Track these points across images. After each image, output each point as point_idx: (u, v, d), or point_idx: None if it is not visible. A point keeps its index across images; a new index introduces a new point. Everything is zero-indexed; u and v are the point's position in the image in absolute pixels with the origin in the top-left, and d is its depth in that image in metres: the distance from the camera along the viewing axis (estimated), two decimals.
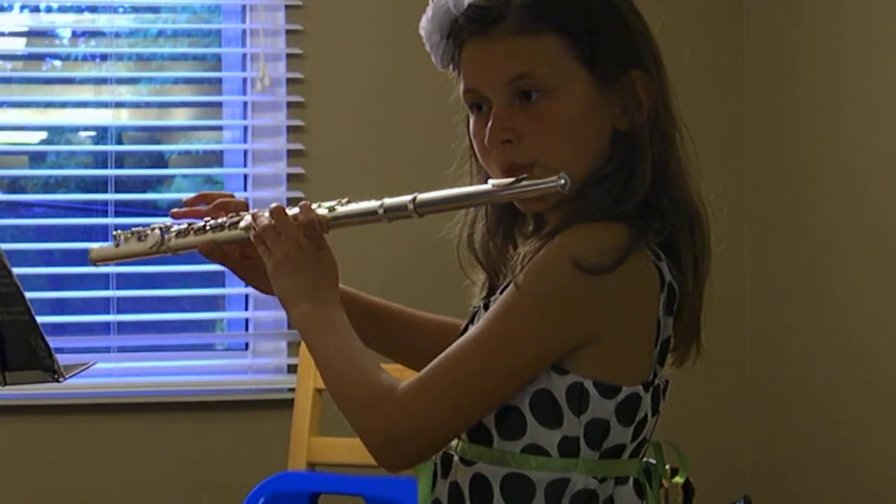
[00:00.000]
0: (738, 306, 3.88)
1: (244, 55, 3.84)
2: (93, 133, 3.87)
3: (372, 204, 1.69)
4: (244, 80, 3.83)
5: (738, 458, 3.91)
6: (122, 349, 3.75)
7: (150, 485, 3.68)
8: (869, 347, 3.48)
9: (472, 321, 1.72)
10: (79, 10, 3.86)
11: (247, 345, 3.85)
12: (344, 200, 1.71)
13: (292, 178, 3.79)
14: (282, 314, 3.73)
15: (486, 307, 1.67)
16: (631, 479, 1.63)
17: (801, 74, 3.77)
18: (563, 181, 1.57)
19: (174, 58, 3.94)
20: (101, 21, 3.82)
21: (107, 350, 3.73)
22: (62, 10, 3.87)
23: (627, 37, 1.65)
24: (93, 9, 3.82)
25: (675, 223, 1.63)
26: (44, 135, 3.87)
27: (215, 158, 3.93)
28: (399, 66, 3.75)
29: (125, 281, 3.74)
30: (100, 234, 3.78)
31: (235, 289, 3.83)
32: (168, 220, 1.84)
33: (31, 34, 3.87)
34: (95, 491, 3.67)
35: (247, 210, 1.79)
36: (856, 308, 3.53)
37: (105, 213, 3.76)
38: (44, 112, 3.86)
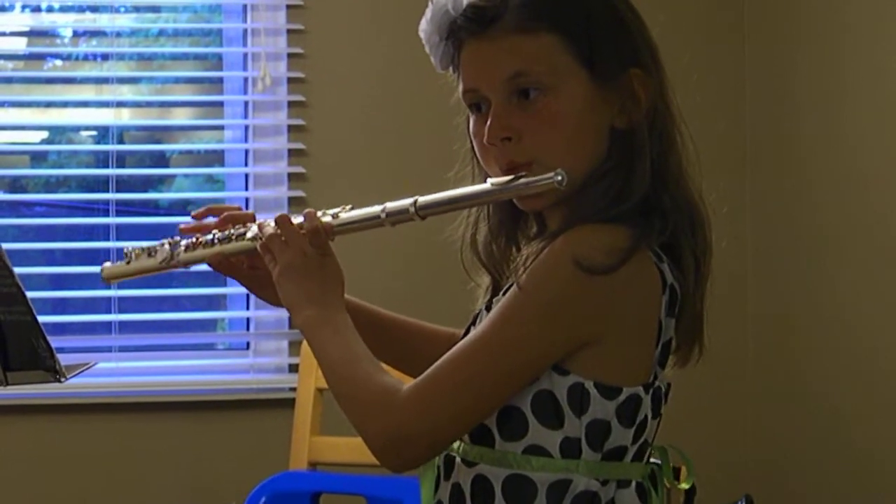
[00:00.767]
0: (740, 305, 3.88)
1: (245, 55, 3.84)
2: (94, 132, 3.87)
3: (374, 209, 1.70)
4: (245, 79, 3.83)
5: (739, 458, 3.91)
6: (123, 349, 3.76)
7: (151, 484, 3.68)
8: (871, 346, 3.48)
9: (473, 323, 1.72)
10: (80, 9, 3.86)
11: (248, 344, 3.85)
12: (347, 207, 1.72)
13: (293, 178, 3.79)
14: (283, 314, 3.77)
15: (489, 309, 1.67)
16: (634, 483, 1.63)
17: (802, 74, 3.77)
18: (559, 177, 1.58)
19: (175, 57, 3.94)
20: (103, 21, 3.82)
21: (108, 349, 3.73)
22: (63, 9, 3.87)
23: (625, 35, 1.66)
24: (94, 8, 3.83)
25: (676, 223, 1.63)
26: (45, 134, 3.88)
27: (216, 158, 3.93)
28: (400, 65, 3.75)
29: (126, 281, 3.72)
30: (101, 233, 3.78)
31: (236, 288, 3.83)
32: (176, 234, 1.86)
33: (33, 34, 3.88)
34: (97, 490, 3.67)
35: (254, 221, 1.79)
36: (858, 307, 3.53)
37: (106, 213, 3.76)
38: (45, 111, 3.87)
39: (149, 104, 3.91)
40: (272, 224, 1.73)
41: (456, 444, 1.66)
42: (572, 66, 1.63)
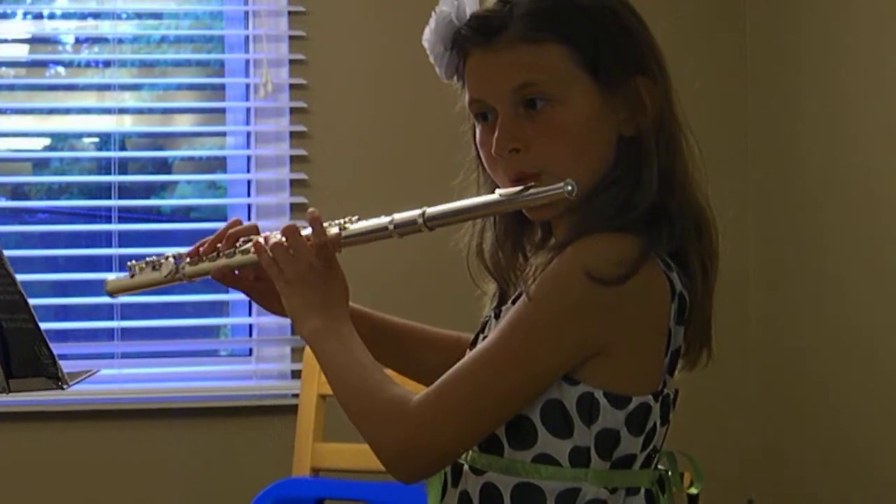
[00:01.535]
0: (742, 309, 3.87)
1: (247, 61, 3.84)
2: (96, 139, 3.87)
3: (382, 220, 1.69)
4: (247, 85, 3.83)
5: (741, 460, 3.90)
6: (125, 355, 3.75)
7: (154, 491, 3.68)
8: (875, 350, 3.48)
9: (482, 331, 1.72)
10: (82, 16, 3.86)
11: (251, 350, 3.85)
12: (354, 218, 1.72)
13: (295, 184, 3.79)
14: (286, 320, 3.76)
15: (497, 316, 1.67)
16: (642, 490, 1.63)
17: (804, 78, 3.77)
18: (569, 187, 1.58)
19: (177, 64, 3.94)
20: (105, 27, 3.82)
21: (110, 356, 3.73)
22: (65, 16, 3.87)
23: (630, 43, 1.66)
24: (96, 15, 3.83)
25: (683, 229, 1.63)
26: (47, 141, 3.88)
27: (218, 164, 3.93)
28: (402, 71, 3.75)
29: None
30: (103, 240, 3.78)
31: (239, 295, 3.80)
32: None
33: (35, 41, 3.88)
34: (99, 497, 3.66)
35: (258, 233, 1.79)
36: (861, 311, 3.53)
37: (109, 220, 3.76)
38: (47, 118, 3.87)
39: (151, 111, 3.91)
40: (278, 235, 1.73)
41: None
42: (578, 76, 1.63)
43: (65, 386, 1.89)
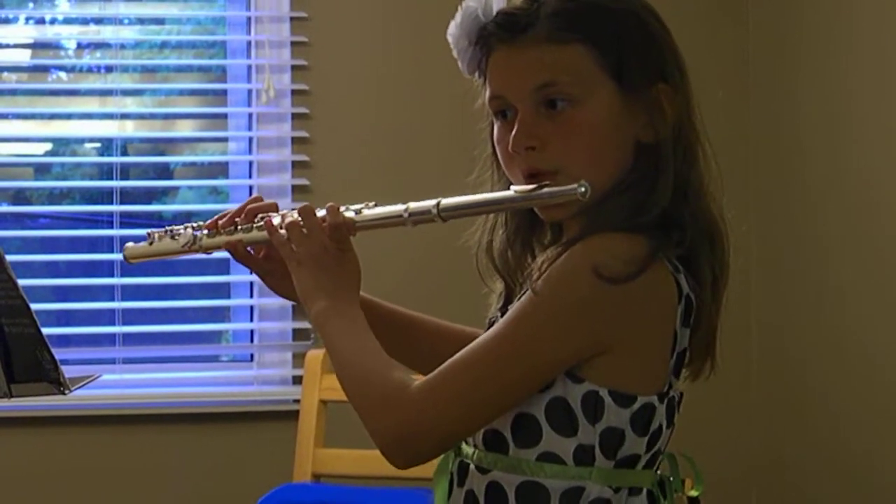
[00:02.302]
0: (744, 316, 3.87)
1: (249, 67, 3.84)
2: (98, 144, 3.88)
3: (397, 208, 1.70)
4: (249, 91, 3.84)
5: (743, 466, 3.90)
6: (127, 360, 3.75)
7: (155, 497, 3.68)
8: (876, 356, 3.47)
9: (488, 329, 1.71)
10: (84, 21, 3.87)
11: (252, 356, 3.85)
12: (371, 203, 1.73)
13: (297, 189, 3.79)
14: (287, 326, 3.77)
15: (503, 315, 1.67)
16: (644, 491, 1.64)
17: (806, 82, 3.77)
18: (583, 189, 1.58)
19: (179, 69, 3.95)
20: (107, 33, 3.82)
21: (112, 361, 3.73)
22: (67, 21, 3.87)
23: (654, 50, 1.66)
24: (98, 20, 3.83)
25: (694, 237, 1.64)
26: (49, 146, 3.88)
27: (220, 170, 3.93)
28: (403, 76, 3.75)
29: (130, 292, 3.74)
30: (105, 245, 3.78)
31: (241, 300, 3.83)
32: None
33: (37, 46, 3.88)
34: (101, 503, 3.66)
35: (277, 211, 1.79)
36: (863, 316, 3.53)
37: (110, 225, 3.76)
38: (49, 123, 3.87)
39: (153, 116, 3.91)
40: (295, 214, 1.73)
41: (470, 451, 1.67)
42: (601, 78, 1.64)
43: (66, 391, 1.89)
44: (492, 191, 1.72)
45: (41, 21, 3.86)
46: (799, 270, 3.78)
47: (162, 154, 3.94)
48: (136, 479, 3.67)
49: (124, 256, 1.90)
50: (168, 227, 1.86)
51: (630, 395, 1.59)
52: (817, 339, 3.70)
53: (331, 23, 3.81)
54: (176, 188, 3.94)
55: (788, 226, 3.81)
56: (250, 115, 3.83)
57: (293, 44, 3.81)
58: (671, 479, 1.68)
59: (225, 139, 3.91)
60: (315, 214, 1.72)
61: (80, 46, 3.90)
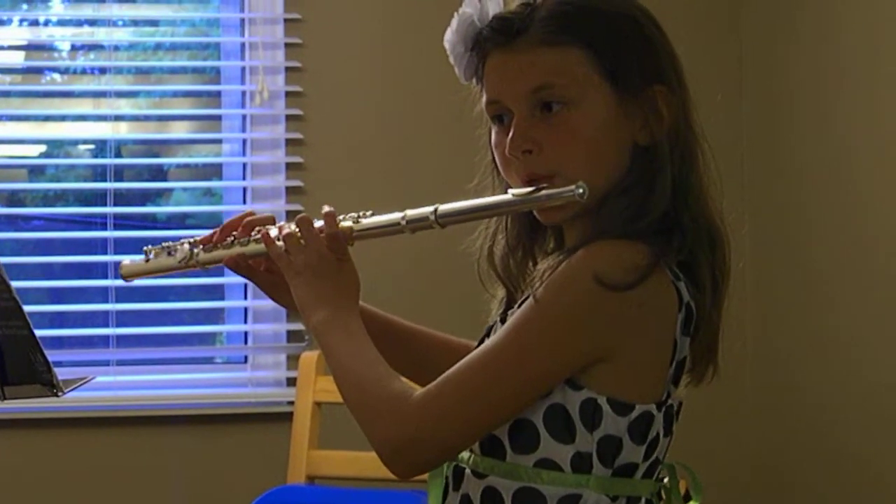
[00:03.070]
0: (738, 321, 3.87)
1: (243, 68, 3.84)
2: (92, 146, 3.87)
3: (395, 216, 1.70)
4: (243, 93, 3.83)
5: (737, 473, 3.90)
6: (121, 362, 3.75)
7: (149, 498, 3.67)
8: (871, 361, 3.47)
9: (487, 335, 1.71)
10: (78, 23, 3.86)
11: (246, 358, 3.85)
12: (368, 213, 1.72)
13: (291, 191, 3.79)
14: (281, 327, 3.77)
15: (504, 321, 1.67)
16: (643, 500, 1.64)
17: (798, 85, 3.77)
18: (580, 190, 1.58)
19: (173, 71, 3.94)
20: (101, 34, 3.82)
21: (106, 363, 3.73)
22: (61, 23, 3.87)
23: (650, 51, 1.66)
24: (92, 22, 3.83)
25: (694, 241, 1.64)
26: (43, 148, 3.88)
27: (214, 171, 3.93)
28: (398, 78, 3.75)
29: (124, 294, 3.73)
30: (99, 247, 3.78)
31: (235, 302, 3.83)
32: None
33: (31, 48, 3.88)
34: None
35: (274, 224, 1.79)
36: (857, 322, 3.53)
37: (104, 227, 3.76)
38: (43, 125, 3.87)
39: (147, 118, 3.91)
40: (292, 226, 1.73)
41: (466, 456, 1.66)
42: (596, 81, 1.63)
43: (60, 393, 1.89)
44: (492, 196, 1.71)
45: (35, 23, 3.86)
46: (793, 274, 3.78)
47: (156, 156, 3.93)
48: (130, 481, 3.67)
49: (121, 275, 1.89)
50: (165, 244, 1.85)
51: (628, 403, 1.59)
52: (811, 343, 3.70)
53: (325, 24, 3.81)
54: (170, 190, 3.94)
55: (783, 233, 3.81)
56: (244, 117, 3.83)
57: (287, 45, 3.81)
58: (670, 487, 1.68)
59: (219, 141, 3.91)
60: (312, 225, 1.72)
61: (73, 48, 3.89)
